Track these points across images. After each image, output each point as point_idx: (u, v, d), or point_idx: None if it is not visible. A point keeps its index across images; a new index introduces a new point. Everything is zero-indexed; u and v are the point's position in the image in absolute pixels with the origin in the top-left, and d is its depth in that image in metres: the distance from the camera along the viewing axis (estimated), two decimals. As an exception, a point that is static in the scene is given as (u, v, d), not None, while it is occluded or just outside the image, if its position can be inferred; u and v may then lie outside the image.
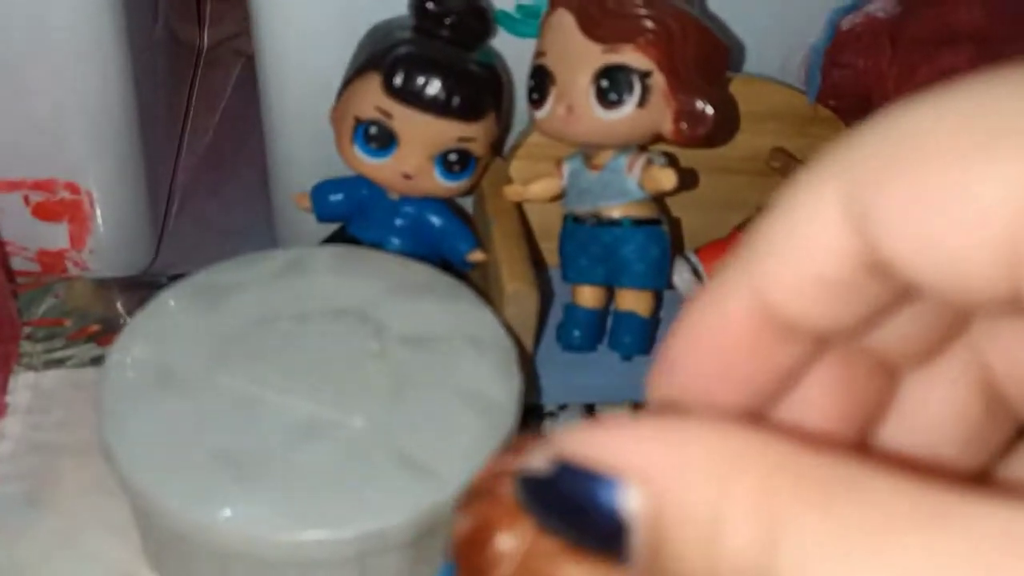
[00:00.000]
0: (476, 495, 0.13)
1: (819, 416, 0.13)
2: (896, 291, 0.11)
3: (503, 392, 0.28)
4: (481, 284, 0.35)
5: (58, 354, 0.36)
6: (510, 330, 0.30)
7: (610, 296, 0.35)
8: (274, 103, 0.38)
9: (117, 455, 0.25)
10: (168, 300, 0.29)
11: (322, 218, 0.36)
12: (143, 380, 0.27)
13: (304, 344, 0.28)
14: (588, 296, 0.35)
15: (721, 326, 0.12)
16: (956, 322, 0.13)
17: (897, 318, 0.12)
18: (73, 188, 0.37)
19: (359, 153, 0.33)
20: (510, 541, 0.12)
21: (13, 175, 0.36)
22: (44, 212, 0.38)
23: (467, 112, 0.32)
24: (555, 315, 0.36)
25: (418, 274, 0.32)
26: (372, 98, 0.31)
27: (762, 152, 0.38)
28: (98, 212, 0.38)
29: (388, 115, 0.31)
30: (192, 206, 0.47)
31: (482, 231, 0.36)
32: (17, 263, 0.39)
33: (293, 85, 0.37)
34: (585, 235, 0.34)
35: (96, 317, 0.37)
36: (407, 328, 0.29)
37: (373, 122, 0.32)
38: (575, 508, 0.11)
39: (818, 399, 0.13)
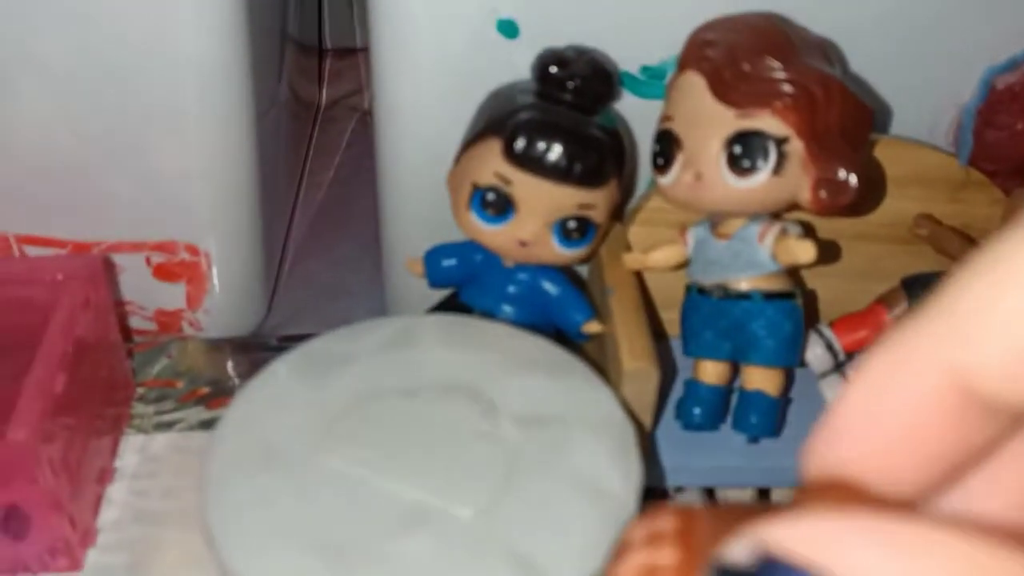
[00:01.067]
0: None
1: (1004, 501, 0.12)
2: None
3: (620, 481, 0.25)
4: (598, 357, 0.33)
5: (167, 417, 0.36)
6: (628, 410, 0.28)
7: (735, 372, 0.33)
8: (389, 164, 0.37)
9: (215, 534, 0.24)
10: (277, 370, 0.28)
11: (434, 284, 0.35)
12: (248, 457, 0.26)
13: (411, 422, 0.27)
14: (712, 372, 0.32)
15: (911, 399, 0.11)
16: None
17: None
18: (193, 250, 0.37)
19: (475, 219, 0.31)
20: None
21: (138, 237, 0.37)
22: (164, 273, 0.38)
23: (588, 179, 0.30)
24: (676, 390, 0.34)
25: (531, 348, 0.30)
26: (491, 164, 0.30)
27: (906, 218, 0.35)
28: (215, 273, 0.38)
29: (507, 181, 0.30)
30: (304, 265, 0.47)
31: (599, 301, 0.34)
32: (135, 322, 0.40)
33: (409, 146, 0.36)
34: (711, 308, 0.31)
35: (207, 379, 0.37)
36: (519, 407, 0.28)
37: (491, 188, 0.31)
38: None
39: (1009, 481, 0.12)
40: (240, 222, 0.38)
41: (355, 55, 0.62)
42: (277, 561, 0.23)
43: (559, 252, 0.32)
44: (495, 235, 0.31)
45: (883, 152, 0.33)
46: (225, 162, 0.36)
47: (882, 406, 0.11)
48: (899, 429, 0.11)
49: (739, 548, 0.10)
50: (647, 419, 0.30)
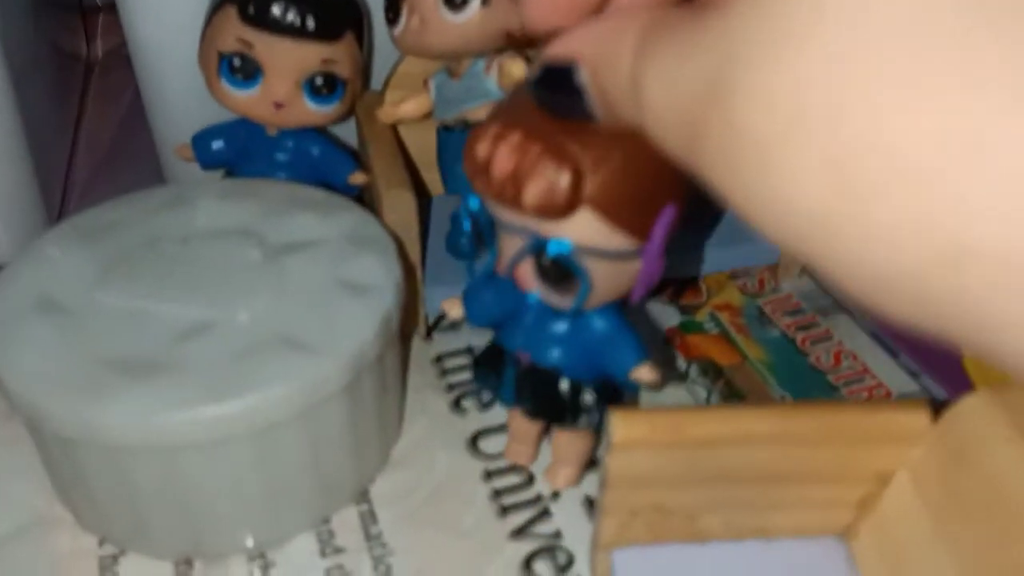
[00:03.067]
0: (514, 174, 0.22)
1: None
2: None
3: (381, 277, 0.29)
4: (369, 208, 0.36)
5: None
6: (392, 233, 0.32)
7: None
8: (146, 64, 0.39)
9: (3, 376, 0.25)
10: (46, 240, 0.30)
11: (205, 165, 0.37)
12: (22, 307, 0.27)
13: (185, 261, 0.29)
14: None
15: None
16: None
17: None
18: (-44, 175, 0.38)
19: (227, 87, 0.34)
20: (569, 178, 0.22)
21: None
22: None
23: (325, 33, 0.33)
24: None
25: (304, 193, 0.33)
26: (231, 30, 0.33)
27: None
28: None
29: (249, 44, 0.33)
30: (91, 200, 0.47)
31: (363, 157, 0.37)
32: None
33: (161, 42, 0.38)
34: (457, 142, 0.35)
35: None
36: (290, 237, 0.30)
37: (235, 54, 0.33)
38: (557, 86, 0.18)
39: None
40: (1, 147, 0.39)
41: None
42: (67, 381, 0.25)
43: (312, 110, 0.34)
44: (250, 101, 0.34)
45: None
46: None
47: None
48: None
49: (534, 68, 0.19)
50: (413, 247, 0.33)
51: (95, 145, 0.52)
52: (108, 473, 0.26)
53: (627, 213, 0.23)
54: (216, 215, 0.31)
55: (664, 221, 0.23)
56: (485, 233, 0.25)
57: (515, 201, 0.22)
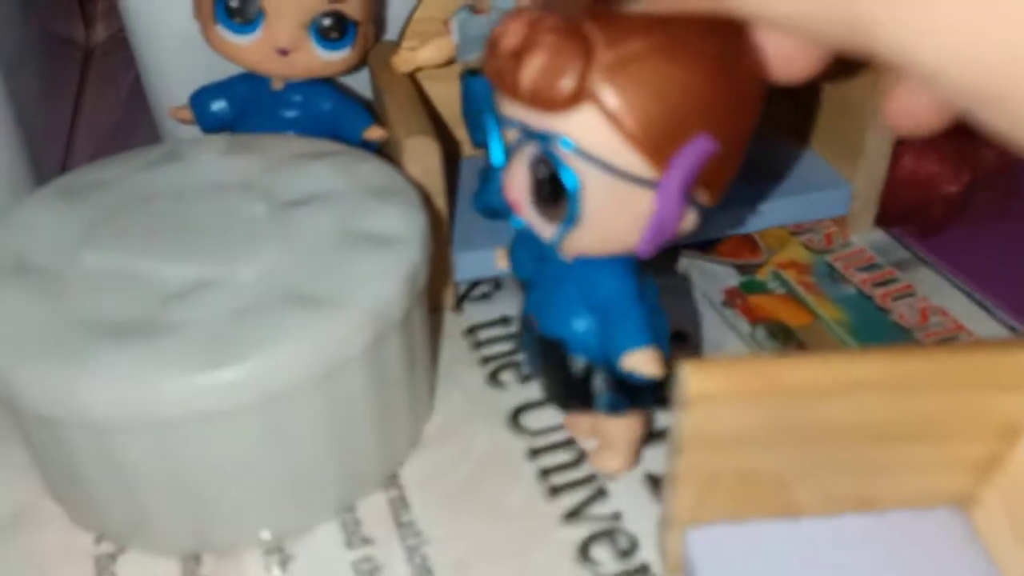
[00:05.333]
0: (519, 49, 0.19)
1: None
2: None
3: (405, 229, 0.25)
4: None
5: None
6: (416, 184, 0.28)
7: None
8: (143, 38, 0.35)
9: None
10: (29, 201, 0.26)
11: (206, 127, 0.33)
12: (-1, 270, 0.24)
13: (182, 217, 0.26)
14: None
15: None
16: None
17: None
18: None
19: (225, 33, 0.30)
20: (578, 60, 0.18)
21: None
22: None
23: (331, -34, 0.29)
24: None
25: (314, 145, 0.29)
26: (227, -33, 0.29)
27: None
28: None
29: (248, -18, 0.29)
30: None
31: (379, 112, 0.33)
32: None
33: (158, 12, 0.34)
34: (484, 86, 0.31)
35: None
36: (299, 190, 0.27)
37: (233, -7, 0.29)
38: None
39: None
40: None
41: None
42: (44, 350, 0.21)
43: (322, 57, 0.31)
44: (251, 48, 0.30)
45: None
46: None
47: None
48: None
49: None
50: (439, 199, 0.30)
51: (95, 131, 0.49)
52: (98, 457, 0.22)
53: (642, 125, 0.18)
54: (216, 170, 0.28)
55: (692, 152, 0.19)
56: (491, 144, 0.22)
57: (513, 82, 0.19)
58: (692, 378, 0.19)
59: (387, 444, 0.26)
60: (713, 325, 0.31)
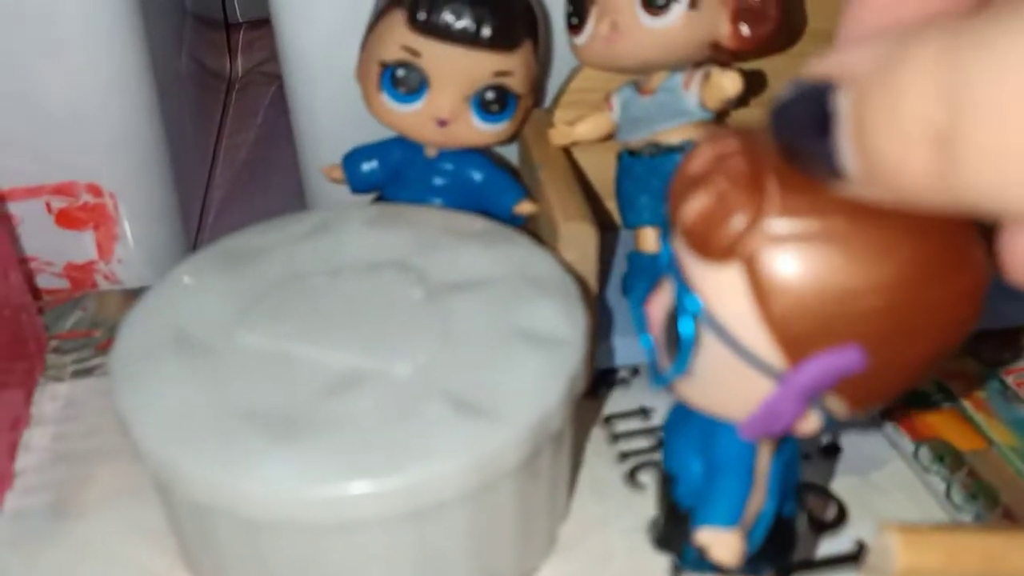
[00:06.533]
0: (694, 181, 0.17)
1: None
2: None
3: (567, 328, 0.24)
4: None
5: (87, 364, 0.33)
6: (570, 271, 0.27)
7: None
8: (298, 79, 0.35)
9: (131, 423, 0.22)
10: (187, 269, 0.26)
11: (356, 188, 0.33)
12: (158, 344, 0.23)
13: (336, 297, 0.25)
14: (653, 239, 0.31)
15: None
16: None
17: None
18: (95, 190, 0.35)
19: (388, 101, 0.30)
20: (743, 216, 0.16)
21: (32, 181, 0.34)
22: (68, 220, 0.36)
23: (500, 40, 0.29)
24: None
25: (463, 222, 0.28)
26: (397, 37, 0.29)
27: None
28: (123, 215, 0.36)
29: (416, 53, 0.29)
30: (227, 218, 0.45)
31: (530, 184, 0.32)
32: (45, 281, 0.37)
33: (315, 54, 0.34)
34: (643, 168, 0.30)
35: (126, 323, 0.35)
36: (454, 274, 0.26)
37: (400, 64, 0.29)
38: (803, 118, 0.14)
39: None
40: (143, 163, 0.36)
41: (266, 25, 0.61)
42: (201, 438, 0.21)
43: (480, 129, 0.30)
44: (412, 117, 0.30)
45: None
46: (119, 99, 0.34)
47: None
48: None
49: (786, 88, 0.14)
50: (591, 283, 0.29)
51: (233, 164, 0.50)
52: (242, 546, 0.22)
53: (787, 312, 0.16)
54: (368, 246, 0.27)
55: (832, 361, 0.16)
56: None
57: (677, 210, 0.17)
58: (905, 552, 0.17)
59: (524, 551, 0.24)
60: (870, 439, 0.29)
